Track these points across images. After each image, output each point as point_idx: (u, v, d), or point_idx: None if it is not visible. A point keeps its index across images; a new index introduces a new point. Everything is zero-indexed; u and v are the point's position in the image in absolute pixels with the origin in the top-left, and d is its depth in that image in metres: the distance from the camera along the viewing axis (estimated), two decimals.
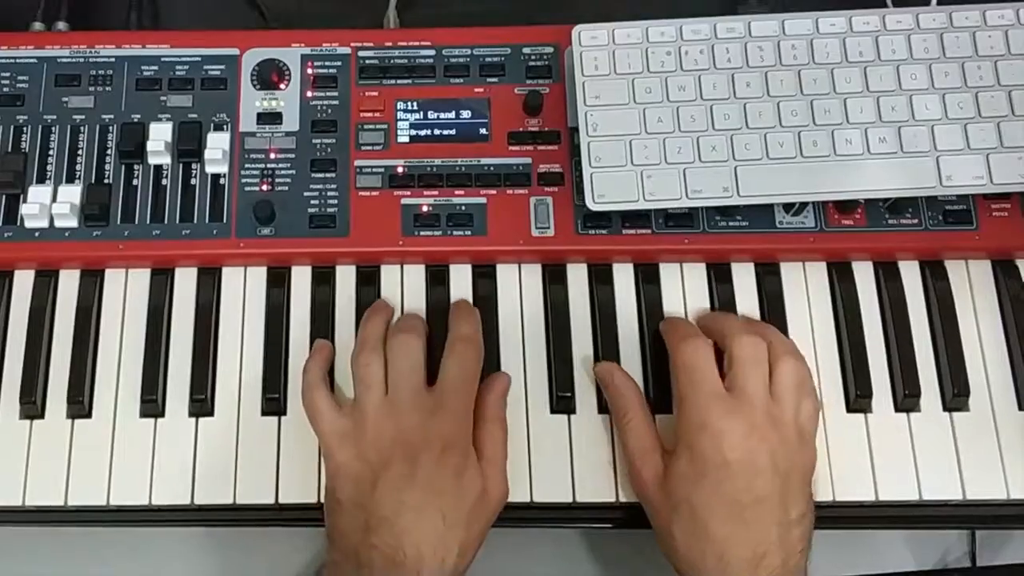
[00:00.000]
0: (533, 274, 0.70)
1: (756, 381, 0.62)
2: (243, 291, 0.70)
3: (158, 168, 0.71)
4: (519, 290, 0.70)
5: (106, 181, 0.70)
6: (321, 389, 0.64)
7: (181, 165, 0.71)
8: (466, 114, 0.72)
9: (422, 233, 0.69)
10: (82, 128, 0.72)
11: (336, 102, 0.72)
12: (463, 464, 0.60)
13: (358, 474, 0.60)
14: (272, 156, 0.71)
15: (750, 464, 0.59)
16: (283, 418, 0.67)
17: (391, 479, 0.59)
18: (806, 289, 0.70)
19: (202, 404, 0.67)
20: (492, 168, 0.71)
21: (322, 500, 0.64)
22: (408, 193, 0.70)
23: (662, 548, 0.62)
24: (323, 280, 0.70)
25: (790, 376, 0.63)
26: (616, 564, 0.73)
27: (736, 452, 0.59)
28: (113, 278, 0.70)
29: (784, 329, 0.69)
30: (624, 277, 0.70)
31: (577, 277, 0.70)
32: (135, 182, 0.70)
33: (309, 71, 0.73)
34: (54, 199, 0.69)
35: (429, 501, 0.59)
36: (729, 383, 0.62)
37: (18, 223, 0.69)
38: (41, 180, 0.70)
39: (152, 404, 0.66)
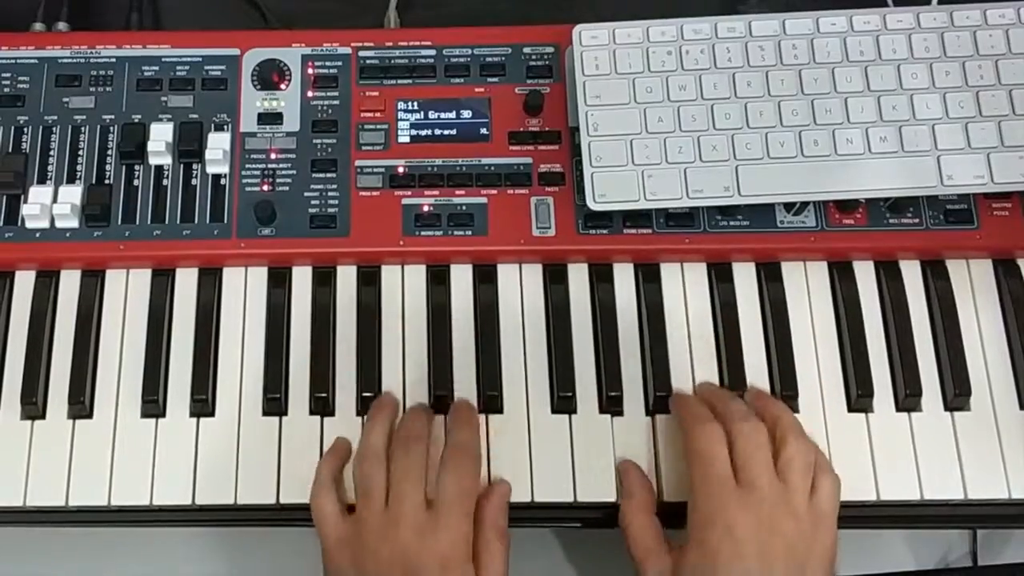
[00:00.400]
0: (534, 274, 0.70)
1: (761, 470, 0.60)
2: (244, 291, 0.70)
3: (159, 168, 0.71)
4: (520, 290, 0.70)
5: (107, 181, 0.70)
6: (330, 492, 0.63)
7: (182, 165, 0.71)
8: (467, 114, 0.72)
9: (423, 233, 0.69)
10: (83, 128, 0.72)
11: (337, 102, 0.72)
12: None
13: None
14: (273, 156, 0.71)
15: (762, 556, 0.58)
16: (284, 418, 0.67)
17: None
18: (807, 289, 0.70)
19: (203, 404, 0.67)
20: (493, 168, 0.71)
21: None
22: (409, 193, 0.70)
23: None
24: (324, 280, 0.70)
25: (798, 458, 0.61)
26: (616, 563, 0.73)
27: (748, 545, 0.58)
28: (114, 278, 0.70)
29: (786, 329, 0.69)
30: (625, 277, 0.70)
31: (578, 277, 0.70)
32: (136, 182, 0.71)
33: (309, 71, 0.73)
34: (55, 199, 0.69)
35: None
36: (737, 474, 0.61)
37: (19, 223, 0.69)
38: (42, 180, 0.70)
39: (153, 404, 0.66)
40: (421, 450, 0.62)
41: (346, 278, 0.70)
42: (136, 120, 0.72)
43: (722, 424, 0.63)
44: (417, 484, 0.61)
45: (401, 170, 0.71)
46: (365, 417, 0.67)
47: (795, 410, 0.67)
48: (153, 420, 0.67)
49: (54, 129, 0.71)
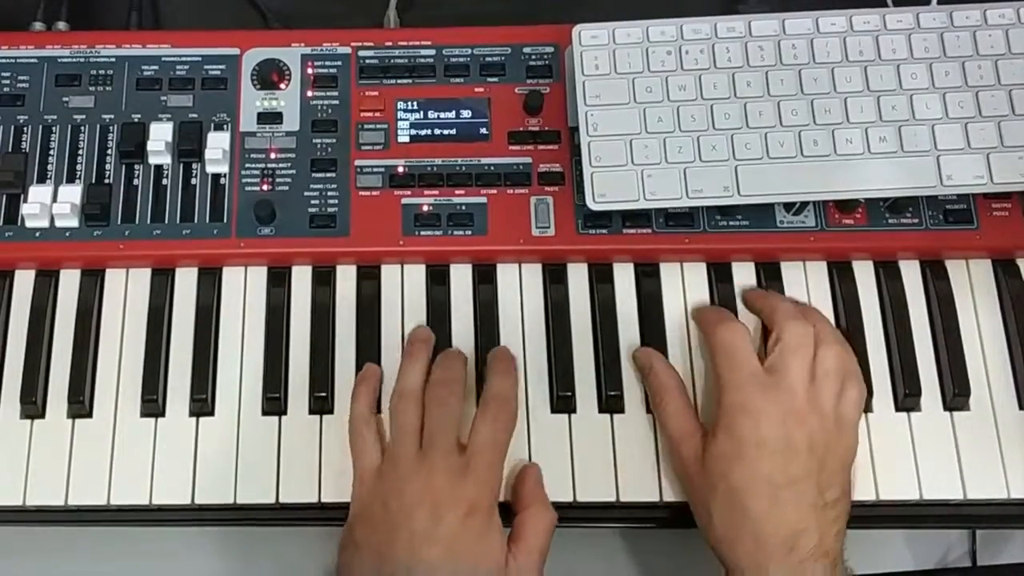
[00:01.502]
0: (533, 274, 0.70)
1: (799, 366, 0.63)
2: (243, 291, 0.70)
3: (158, 168, 0.71)
4: (519, 290, 0.70)
5: (106, 181, 0.70)
6: (371, 424, 0.64)
7: (181, 165, 0.71)
8: (466, 114, 0.72)
9: (422, 233, 0.69)
10: (82, 128, 0.72)
11: (336, 102, 0.72)
12: (485, 528, 0.60)
13: (379, 519, 0.60)
14: (272, 156, 0.71)
15: (786, 445, 0.60)
16: (283, 418, 0.67)
17: (412, 532, 0.59)
18: (807, 288, 0.70)
19: (203, 404, 0.67)
20: (492, 168, 0.71)
21: (322, 499, 0.65)
22: (408, 193, 0.70)
23: (700, 526, 0.63)
24: (323, 280, 0.70)
25: (832, 362, 0.63)
26: (616, 563, 0.73)
27: (773, 433, 0.60)
28: (114, 278, 0.70)
29: None
30: (624, 277, 0.70)
31: (577, 277, 0.70)
32: (135, 182, 0.71)
33: (309, 71, 0.73)
34: (55, 199, 0.69)
35: (446, 560, 0.59)
36: (770, 364, 0.63)
37: (19, 223, 0.69)
38: (42, 180, 0.70)
39: (153, 404, 0.66)
40: (458, 395, 0.63)
41: (346, 278, 0.70)
42: (136, 119, 0.72)
43: (766, 318, 0.66)
44: (451, 429, 0.62)
45: (401, 170, 0.71)
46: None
47: None
48: (153, 419, 0.67)
49: (54, 128, 0.71)
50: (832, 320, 0.69)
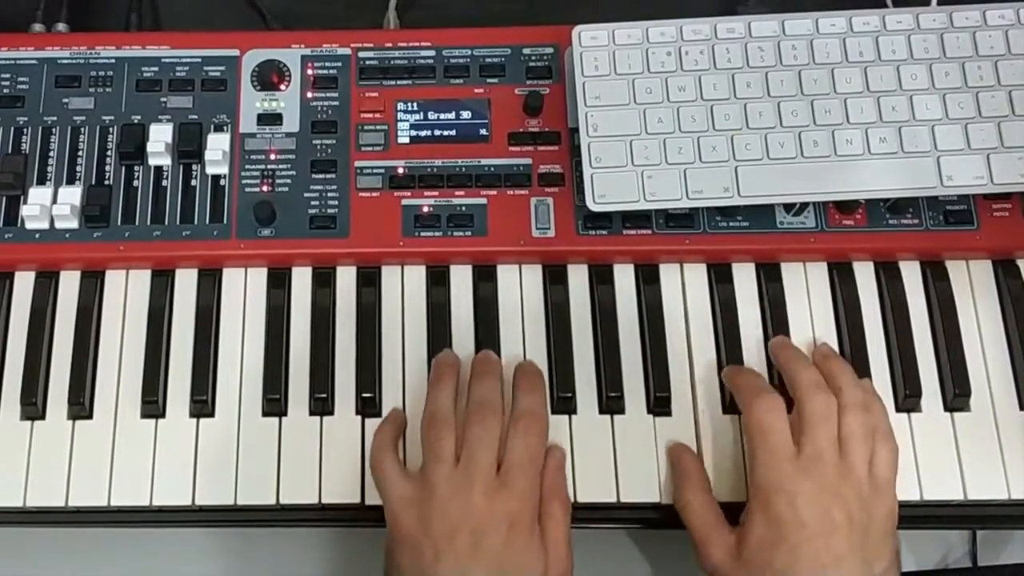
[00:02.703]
0: (534, 275, 0.70)
1: (825, 440, 0.61)
2: (243, 292, 0.70)
3: (158, 169, 0.71)
4: (520, 291, 0.70)
5: (106, 182, 0.70)
6: (391, 453, 0.64)
7: (181, 166, 0.71)
8: (466, 115, 0.72)
9: (422, 234, 0.69)
10: (82, 129, 0.72)
11: (336, 103, 0.72)
12: (527, 543, 0.60)
13: (421, 544, 0.60)
14: (272, 157, 0.71)
15: (826, 522, 0.59)
16: (284, 419, 0.67)
17: (455, 554, 0.59)
18: (807, 289, 0.70)
19: (203, 405, 0.67)
20: (492, 169, 0.71)
21: (323, 501, 0.65)
22: (408, 194, 0.70)
23: None
24: (323, 281, 0.70)
25: (857, 426, 0.62)
26: (616, 564, 0.73)
27: (811, 511, 0.59)
28: (113, 279, 0.70)
29: (785, 330, 0.69)
30: (625, 277, 0.70)
31: (578, 278, 0.70)
32: (135, 183, 0.71)
33: (309, 72, 0.73)
34: (54, 200, 0.69)
35: None
36: (799, 441, 0.62)
37: (18, 224, 0.69)
38: (41, 181, 0.70)
39: (153, 405, 0.66)
40: (497, 417, 0.63)
41: (346, 279, 0.70)
42: (136, 121, 0.72)
43: (788, 384, 0.65)
44: (491, 450, 0.62)
45: (401, 171, 0.71)
46: (364, 418, 0.67)
47: None
48: (153, 420, 0.67)
49: (54, 130, 0.71)
50: (832, 321, 0.69)
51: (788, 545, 0.59)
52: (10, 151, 0.71)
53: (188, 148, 0.71)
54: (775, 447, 0.62)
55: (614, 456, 0.66)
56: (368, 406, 0.67)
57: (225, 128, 0.72)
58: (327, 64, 0.73)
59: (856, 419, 0.62)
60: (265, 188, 0.70)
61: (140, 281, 0.70)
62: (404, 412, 0.67)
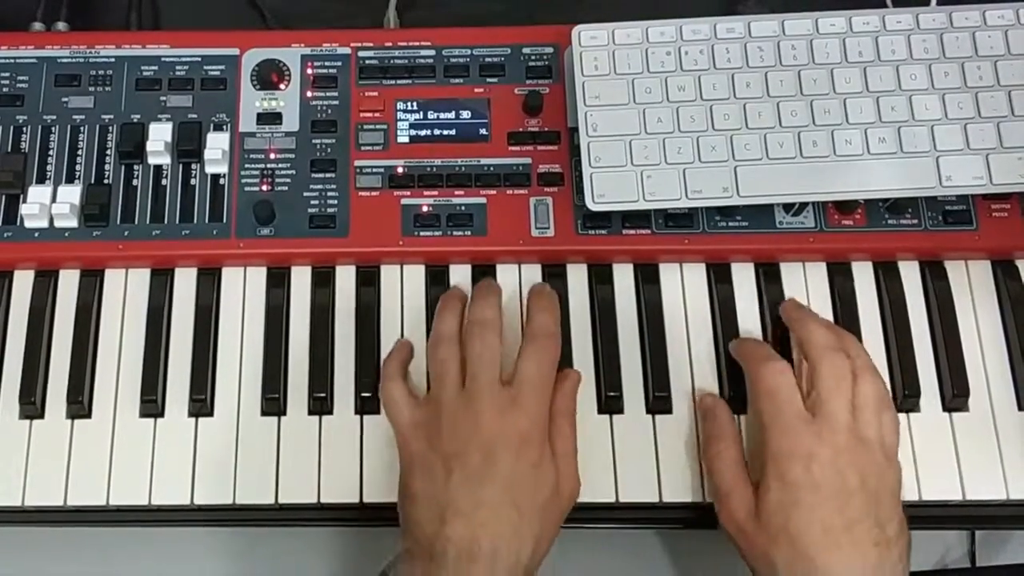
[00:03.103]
0: (533, 274, 0.70)
1: (841, 402, 0.61)
2: (243, 291, 0.70)
3: (158, 168, 0.71)
4: (519, 290, 0.70)
5: (106, 181, 0.70)
6: (398, 381, 0.65)
7: (181, 165, 0.71)
8: (466, 114, 0.72)
9: (422, 233, 0.69)
10: (82, 128, 0.72)
11: (336, 102, 0.72)
12: (539, 459, 0.61)
13: (432, 465, 0.60)
14: (272, 156, 0.71)
15: (841, 486, 0.59)
16: (283, 418, 0.67)
17: (467, 473, 0.59)
18: (806, 289, 0.70)
19: (202, 404, 0.67)
20: (492, 168, 0.71)
21: (321, 500, 0.65)
22: (408, 193, 0.70)
23: None
24: (323, 280, 0.70)
25: (871, 393, 0.62)
26: (616, 564, 0.73)
27: (826, 475, 0.59)
28: (113, 278, 0.70)
29: (784, 330, 0.68)
30: (624, 277, 0.70)
31: (577, 277, 0.70)
32: (135, 182, 0.71)
33: (309, 71, 0.73)
34: (54, 199, 0.69)
35: (505, 496, 0.59)
36: (812, 402, 0.62)
37: (18, 223, 0.69)
38: (41, 180, 0.70)
39: (152, 404, 0.66)
40: (496, 333, 0.63)
41: (345, 278, 0.70)
42: (135, 120, 0.72)
43: (800, 345, 0.64)
44: (493, 365, 0.62)
45: (400, 170, 0.71)
46: (363, 418, 0.67)
47: None
48: (152, 420, 0.67)
49: (53, 129, 0.71)
50: (831, 321, 0.69)
51: (804, 508, 0.59)
52: (9, 150, 0.71)
53: (188, 147, 0.71)
54: (787, 411, 0.61)
55: (613, 456, 0.66)
56: (367, 405, 0.67)
57: (225, 127, 0.72)
58: (327, 63, 0.73)
59: (869, 384, 0.62)
60: (265, 187, 0.70)
61: (139, 280, 0.70)
62: (410, 342, 0.67)
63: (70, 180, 0.70)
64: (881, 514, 0.60)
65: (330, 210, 0.70)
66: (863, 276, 0.71)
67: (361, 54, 0.74)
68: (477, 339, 0.63)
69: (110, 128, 0.72)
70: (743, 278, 0.70)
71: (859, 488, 0.59)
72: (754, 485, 0.62)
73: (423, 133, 0.72)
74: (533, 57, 0.74)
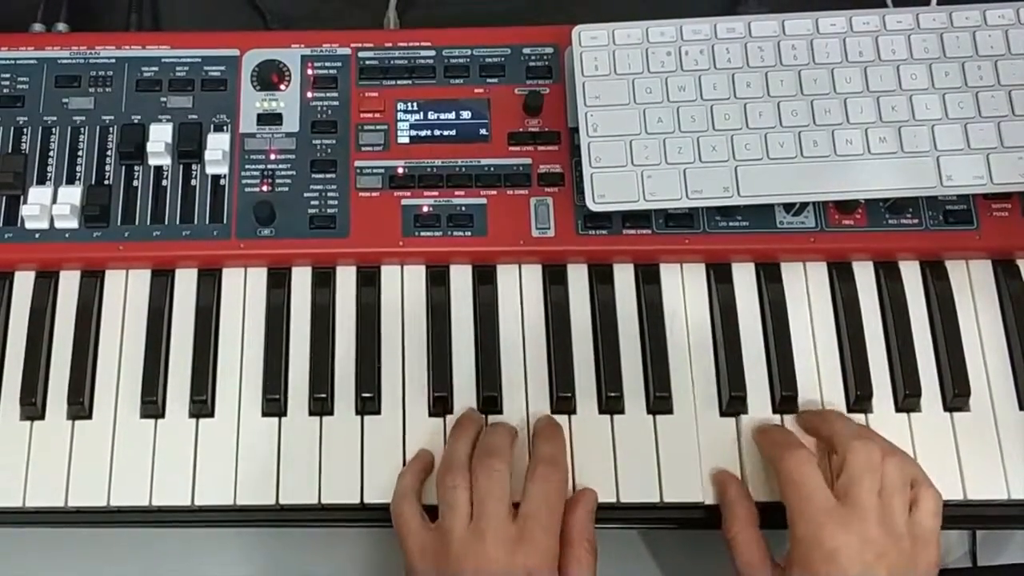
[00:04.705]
0: (533, 274, 0.70)
1: (869, 491, 0.60)
2: (243, 292, 0.70)
3: (158, 169, 0.71)
4: (519, 291, 0.70)
5: (106, 182, 0.70)
6: (411, 500, 0.63)
7: (181, 166, 0.71)
8: (466, 114, 0.72)
9: (422, 234, 0.69)
10: (82, 129, 0.72)
11: (336, 103, 0.72)
12: None
13: None
14: (272, 157, 0.71)
15: None
16: (283, 419, 0.67)
17: None
18: (806, 289, 0.70)
19: (202, 405, 0.67)
20: (492, 169, 0.71)
21: (323, 501, 0.65)
22: (408, 194, 0.70)
23: None
24: (323, 281, 0.70)
25: (897, 475, 0.61)
26: (616, 564, 0.73)
27: (853, 566, 0.58)
28: (113, 279, 0.70)
29: (785, 330, 0.69)
30: (624, 277, 0.70)
31: (577, 277, 0.70)
32: (135, 183, 0.71)
33: (309, 72, 0.73)
34: (54, 200, 0.69)
35: None
36: (840, 491, 0.61)
37: (18, 224, 0.69)
38: (41, 181, 0.70)
39: (152, 405, 0.66)
40: (504, 465, 0.62)
41: (345, 279, 0.70)
42: (135, 121, 0.72)
43: (827, 442, 0.64)
44: (502, 499, 0.61)
45: (401, 171, 0.71)
46: (364, 418, 0.67)
47: (793, 411, 0.67)
48: (152, 421, 0.67)
49: (53, 130, 0.71)
50: (832, 321, 0.69)
51: None
52: (10, 151, 0.71)
53: (188, 148, 0.71)
54: (814, 501, 0.60)
55: (614, 456, 0.66)
56: (368, 406, 0.67)
57: (225, 128, 0.72)
58: (327, 64, 0.73)
59: (896, 468, 0.61)
60: (265, 188, 0.70)
61: (140, 281, 0.70)
62: (431, 453, 0.66)
63: (71, 181, 0.70)
64: None
65: (330, 211, 0.70)
66: (864, 276, 0.71)
67: (361, 54, 0.74)
68: (483, 472, 0.62)
69: (110, 129, 0.72)
70: (744, 278, 0.70)
71: None
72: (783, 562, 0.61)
73: (423, 133, 0.72)
74: (533, 57, 0.74)
